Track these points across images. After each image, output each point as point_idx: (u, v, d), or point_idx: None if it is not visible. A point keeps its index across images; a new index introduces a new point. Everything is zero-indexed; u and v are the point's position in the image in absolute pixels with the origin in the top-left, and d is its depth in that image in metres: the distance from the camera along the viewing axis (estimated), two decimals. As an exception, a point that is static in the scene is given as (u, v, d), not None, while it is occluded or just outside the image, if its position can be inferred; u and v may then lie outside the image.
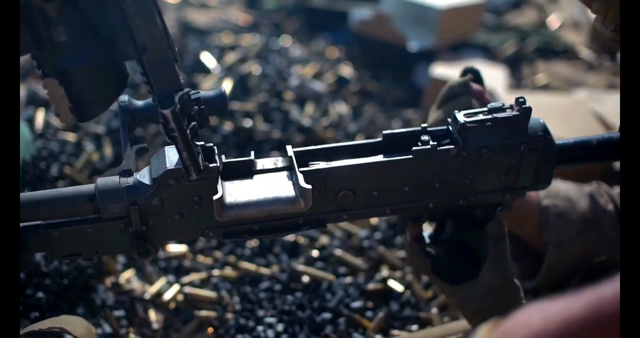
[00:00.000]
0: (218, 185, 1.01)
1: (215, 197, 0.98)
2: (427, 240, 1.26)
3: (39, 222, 1.03)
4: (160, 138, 2.04)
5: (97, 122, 2.11)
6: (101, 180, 1.01)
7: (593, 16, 1.10)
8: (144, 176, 1.02)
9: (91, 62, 0.85)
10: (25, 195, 1.02)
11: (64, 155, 1.94)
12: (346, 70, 2.66)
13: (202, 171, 0.97)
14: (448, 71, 2.48)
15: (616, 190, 1.43)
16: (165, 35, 0.85)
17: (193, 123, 0.92)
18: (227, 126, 2.10)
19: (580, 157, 1.18)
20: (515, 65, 2.88)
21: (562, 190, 1.41)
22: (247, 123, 2.09)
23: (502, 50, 2.91)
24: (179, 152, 0.91)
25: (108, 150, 1.99)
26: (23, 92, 2.32)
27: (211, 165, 1.00)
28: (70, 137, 2.04)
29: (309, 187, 1.00)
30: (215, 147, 1.04)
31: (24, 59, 2.53)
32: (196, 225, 1.06)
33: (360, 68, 2.73)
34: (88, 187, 1.02)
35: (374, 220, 1.80)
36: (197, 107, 0.94)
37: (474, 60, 2.69)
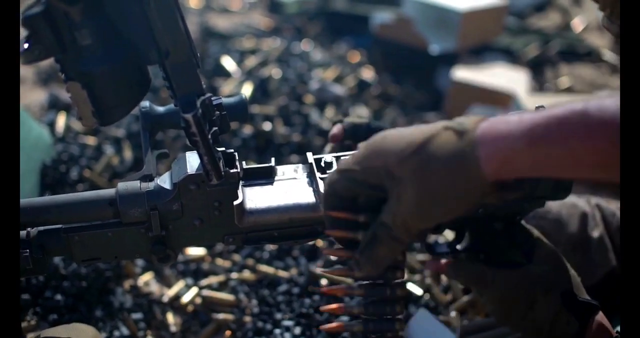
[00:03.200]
0: (238, 191, 1.00)
1: (235, 203, 0.98)
2: (446, 249, 1.25)
3: (59, 226, 1.03)
4: (180, 142, 2.04)
5: (118, 125, 2.12)
6: (122, 185, 1.01)
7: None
8: (164, 181, 1.02)
9: (114, 65, 0.85)
10: (45, 198, 1.02)
11: (84, 158, 1.95)
12: (367, 74, 2.66)
13: (223, 176, 0.96)
14: (470, 74, 2.46)
15: (614, 206, 1.41)
16: (187, 40, 0.85)
17: (214, 128, 0.92)
18: (247, 129, 2.10)
19: None
20: (538, 69, 2.85)
21: (554, 210, 1.38)
22: (267, 126, 2.09)
23: (525, 53, 2.89)
24: (200, 156, 0.91)
25: (128, 154, 1.99)
26: (45, 96, 2.34)
27: (232, 170, 0.99)
28: (91, 140, 2.05)
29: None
30: (235, 153, 1.04)
31: (47, 63, 2.56)
32: (216, 231, 1.05)
33: (381, 71, 2.73)
34: (109, 192, 1.02)
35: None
36: (218, 112, 0.94)
37: (495, 64, 2.68)
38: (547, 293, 1.05)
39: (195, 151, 0.95)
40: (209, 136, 0.89)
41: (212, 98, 0.92)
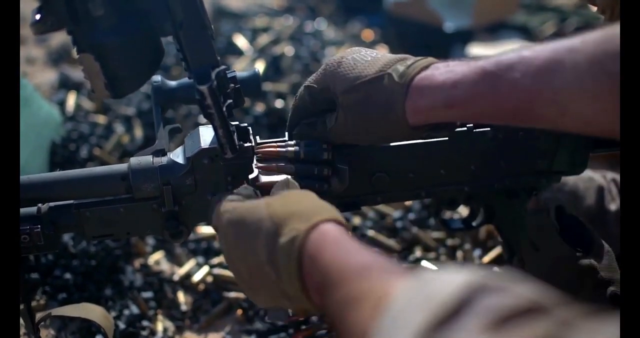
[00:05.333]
0: (253, 165, 0.99)
1: (251, 176, 0.97)
2: (460, 225, 1.25)
3: (70, 202, 1.02)
4: (191, 120, 2.02)
5: (128, 104, 2.10)
6: (134, 160, 1.00)
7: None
8: (177, 156, 1.01)
9: (127, 37, 0.84)
10: (57, 174, 1.01)
11: (94, 137, 1.93)
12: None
13: (238, 150, 0.95)
14: (485, 52, 2.43)
15: None
16: (202, 11, 0.84)
17: (229, 101, 0.90)
18: (259, 107, 2.08)
19: (616, 142, 1.15)
20: (555, 47, 2.81)
21: (570, 183, 1.37)
22: (279, 104, 2.07)
23: (542, 31, 2.85)
24: (215, 129, 0.90)
25: (138, 132, 1.98)
26: (55, 76, 2.33)
27: (246, 144, 0.98)
28: (101, 119, 2.04)
29: (346, 167, 0.99)
30: (249, 127, 1.03)
31: (58, 43, 2.54)
32: None
33: (396, 50, 2.69)
34: (121, 166, 1.01)
35: (407, 201, 1.77)
36: (232, 85, 0.93)
37: (511, 41, 2.64)
38: (599, 286, 1.06)
39: (209, 126, 0.95)
40: (224, 108, 0.87)
41: (227, 71, 0.90)
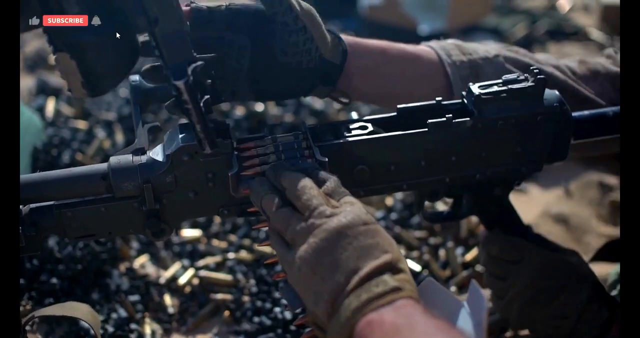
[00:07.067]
0: (233, 161, 1.00)
1: (231, 173, 0.98)
2: (444, 216, 1.26)
3: (51, 203, 1.02)
4: (171, 124, 2.02)
5: (108, 109, 2.10)
6: (114, 159, 1.00)
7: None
8: (157, 153, 1.01)
9: (102, 35, 0.85)
10: (37, 175, 1.01)
11: (75, 142, 1.93)
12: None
13: (217, 146, 0.96)
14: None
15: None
16: (176, 6, 0.84)
17: (206, 96, 0.91)
18: (239, 111, 2.09)
19: (597, 130, 1.16)
20: (526, 48, 2.83)
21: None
22: (259, 107, 2.08)
23: (513, 33, 2.89)
24: (193, 125, 0.91)
25: (119, 137, 1.98)
26: (33, 82, 2.33)
27: (225, 141, 0.99)
28: (82, 124, 2.04)
29: (325, 159, 0.99)
30: (229, 123, 1.03)
31: (33, 50, 2.54)
32: (211, 203, 1.05)
33: (369, 52, 2.71)
34: (101, 166, 1.02)
35: (389, 201, 1.78)
36: (209, 80, 0.93)
37: (484, 43, 2.67)
38: (581, 280, 1.12)
39: (188, 123, 0.95)
40: (201, 104, 0.88)
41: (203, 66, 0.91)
